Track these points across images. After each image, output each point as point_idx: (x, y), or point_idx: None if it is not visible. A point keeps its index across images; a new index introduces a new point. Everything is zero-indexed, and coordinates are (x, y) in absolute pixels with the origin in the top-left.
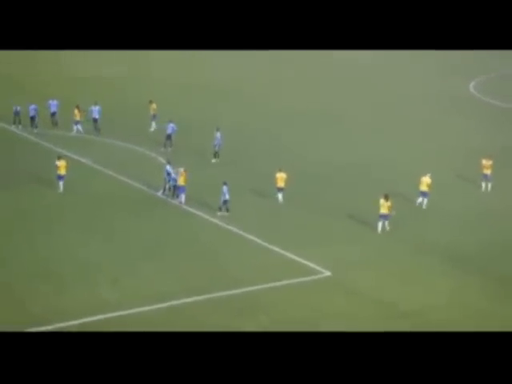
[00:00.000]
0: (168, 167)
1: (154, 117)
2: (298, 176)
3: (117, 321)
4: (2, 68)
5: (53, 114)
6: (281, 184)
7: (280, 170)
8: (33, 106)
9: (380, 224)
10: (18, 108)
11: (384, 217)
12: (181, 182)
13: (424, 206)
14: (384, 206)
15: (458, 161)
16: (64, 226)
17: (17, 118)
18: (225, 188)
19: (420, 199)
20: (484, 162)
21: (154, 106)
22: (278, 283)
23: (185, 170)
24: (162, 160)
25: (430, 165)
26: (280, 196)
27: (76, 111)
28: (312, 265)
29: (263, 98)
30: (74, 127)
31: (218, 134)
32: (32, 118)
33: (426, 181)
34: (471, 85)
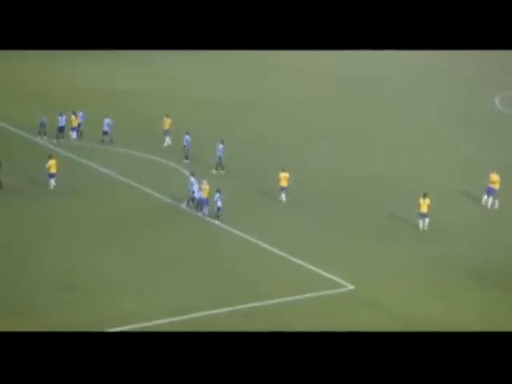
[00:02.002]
0: (192, 179)
1: (168, 131)
2: (318, 190)
3: (140, 332)
4: (22, 80)
5: (78, 126)
6: (284, 184)
7: (283, 170)
8: (63, 117)
9: (421, 222)
10: (44, 119)
11: (424, 215)
12: (204, 194)
13: (496, 206)
14: (424, 205)
15: (477, 176)
16: (87, 237)
17: (42, 129)
18: (218, 195)
19: (485, 197)
20: (494, 176)
21: (169, 120)
22: (301, 296)
23: (208, 183)
24: (186, 172)
25: (445, 180)
26: (283, 196)
27: (73, 117)
28: (335, 278)
29: (279, 112)
30: (72, 133)
31: (221, 146)
32: (61, 129)
33: (494, 178)
34: (496, 99)
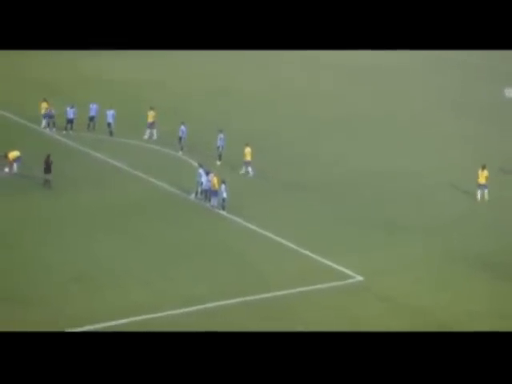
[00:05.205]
0: (200, 171)
1: (152, 124)
2: (326, 182)
3: (148, 324)
4: (32, 71)
5: (91, 118)
6: (248, 158)
7: (247, 145)
8: (72, 109)
9: (479, 192)
10: (53, 111)
11: (483, 186)
12: (213, 185)
13: None
14: (482, 176)
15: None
16: (95, 228)
17: (51, 120)
18: (223, 187)
19: None
20: None
21: (152, 113)
22: (310, 287)
23: (215, 174)
24: (194, 163)
25: (458, 174)
26: (250, 169)
27: (44, 104)
28: (344, 269)
29: (294, 105)
30: (43, 121)
31: (222, 136)
32: (70, 121)
33: None
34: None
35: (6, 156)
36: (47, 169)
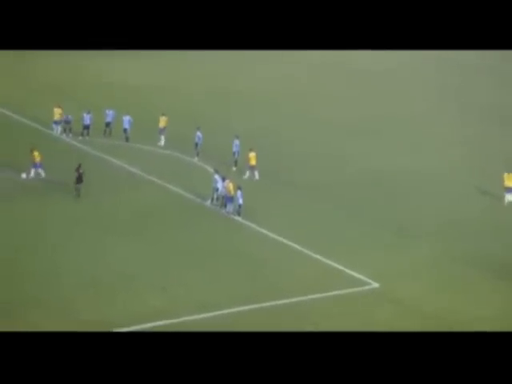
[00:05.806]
0: (216, 176)
1: (163, 130)
2: (341, 184)
3: (164, 329)
4: (44, 77)
5: (108, 124)
6: (253, 162)
7: (251, 150)
8: (89, 115)
9: (507, 196)
10: (70, 117)
11: (509, 189)
12: (228, 191)
13: None
14: (508, 180)
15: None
16: (111, 234)
17: (67, 126)
18: (239, 193)
19: None
20: None
21: (164, 118)
22: (325, 294)
23: (231, 180)
24: (210, 169)
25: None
26: (256, 173)
27: (58, 110)
28: (360, 276)
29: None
30: (55, 127)
31: (237, 142)
32: (86, 127)
33: None
34: None
35: (31, 151)
36: (79, 178)
